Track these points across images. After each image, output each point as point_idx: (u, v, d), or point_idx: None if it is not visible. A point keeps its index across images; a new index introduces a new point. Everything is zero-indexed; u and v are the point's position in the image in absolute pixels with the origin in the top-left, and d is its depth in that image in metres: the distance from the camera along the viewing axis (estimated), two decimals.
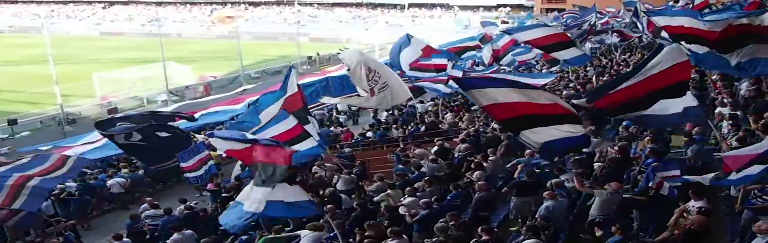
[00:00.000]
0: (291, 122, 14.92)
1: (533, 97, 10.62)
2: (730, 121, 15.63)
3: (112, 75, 52.57)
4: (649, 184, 12.50)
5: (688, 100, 11.50)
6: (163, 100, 47.31)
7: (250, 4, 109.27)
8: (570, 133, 10.87)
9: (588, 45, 34.71)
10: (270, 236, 13.86)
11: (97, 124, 15.93)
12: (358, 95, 20.33)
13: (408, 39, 25.42)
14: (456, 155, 18.87)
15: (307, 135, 15.10)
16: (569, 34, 24.88)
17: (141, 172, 23.94)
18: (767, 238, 9.27)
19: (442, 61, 25.05)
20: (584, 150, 16.52)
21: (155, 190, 24.58)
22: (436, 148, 19.77)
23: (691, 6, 30.69)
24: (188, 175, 16.54)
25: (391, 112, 30.34)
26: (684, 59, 10.85)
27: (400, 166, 18.85)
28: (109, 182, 22.72)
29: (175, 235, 15.43)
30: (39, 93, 49.55)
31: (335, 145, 24.56)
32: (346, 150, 22.51)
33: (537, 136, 10.82)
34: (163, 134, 16.10)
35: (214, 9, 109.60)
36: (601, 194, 12.25)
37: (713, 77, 20.91)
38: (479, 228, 11.79)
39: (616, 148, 15.77)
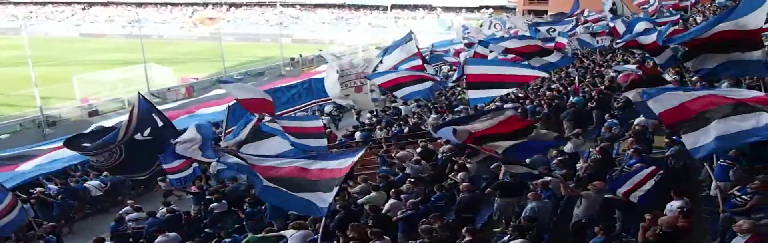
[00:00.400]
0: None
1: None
2: None
3: (92, 77, 52.25)
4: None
5: None
6: None
7: (231, 5, 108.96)
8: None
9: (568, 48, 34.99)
10: (256, 236, 13.84)
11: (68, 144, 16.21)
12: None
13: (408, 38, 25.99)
14: (440, 156, 18.83)
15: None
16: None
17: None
18: (747, 237, 9.35)
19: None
20: (566, 151, 16.92)
21: (138, 192, 24.33)
22: (419, 149, 19.76)
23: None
24: (171, 176, 16.44)
25: (374, 113, 30.27)
26: None
27: (384, 168, 18.78)
28: (87, 184, 22.49)
29: (160, 238, 15.39)
30: (18, 95, 49.31)
31: None
32: (333, 151, 22.42)
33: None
34: (141, 137, 16.14)
35: (195, 10, 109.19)
36: (590, 196, 12.28)
37: (693, 78, 21.00)
38: (464, 229, 11.81)
39: (597, 149, 15.83)
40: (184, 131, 16.17)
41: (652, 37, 18.66)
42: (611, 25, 32.06)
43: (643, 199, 11.65)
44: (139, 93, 17.80)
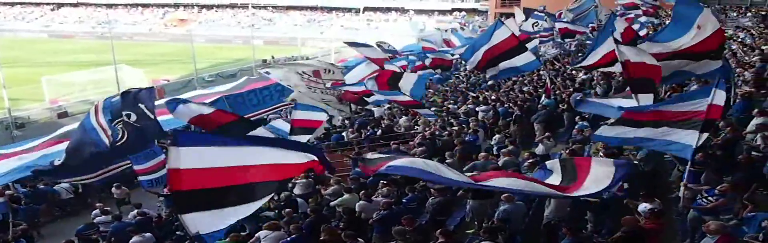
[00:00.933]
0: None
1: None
2: None
3: (61, 78, 51.73)
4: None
5: None
6: None
7: (203, 6, 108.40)
8: None
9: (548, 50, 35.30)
10: (225, 240, 13.72)
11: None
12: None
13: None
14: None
15: None
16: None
17: None
18: (716, 237, 9.51)
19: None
20: (538, 153, 17.17)
21: (109, 194, 23.90)
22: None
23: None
24: (142, 178, 16.36)
25: (347, 116, 30.23)
26: None
27: (357, 170, 18.80)
28: (57, 187, 22.25)
29: (136, 238, 15.40)
30: None
31: None
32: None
33: None
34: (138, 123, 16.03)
35: (166, 12, 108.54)
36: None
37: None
38: (437, 231, 11.83)
39: (568, 151, 15.97)
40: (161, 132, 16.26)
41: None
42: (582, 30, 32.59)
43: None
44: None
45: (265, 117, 25.66)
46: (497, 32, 21.81)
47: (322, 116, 18.80)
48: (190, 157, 8.49)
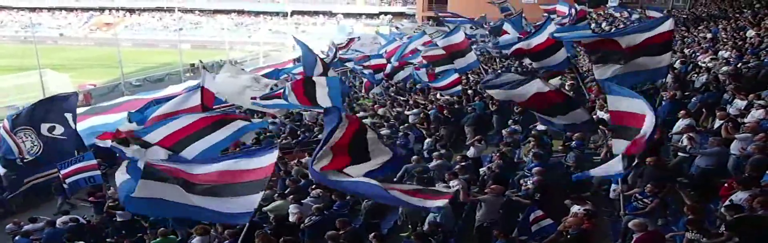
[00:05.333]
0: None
1: None
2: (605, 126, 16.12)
3: None
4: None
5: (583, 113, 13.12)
6: None
7: (128, 10, 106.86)
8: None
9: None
10: (159, 239, 14.10)
11: None
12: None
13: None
14: None
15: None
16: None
17: None
18: (638, 234, 10.18)
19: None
20: (469, 156, 17.23)
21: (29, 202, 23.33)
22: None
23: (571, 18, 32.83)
24: (70, 179, 16.48)
25: (276, 119, 30.21)
26: None
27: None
28: None
29: None
30: None
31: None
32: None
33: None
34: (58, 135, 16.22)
35: (92, 15, 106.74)
36: (487, 200, 12.67)
37: (590, 83, 22.19)
38: (371, 235, 11.99)
39: (498, 153, 16.22)
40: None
41: (541, 38, 20.10)
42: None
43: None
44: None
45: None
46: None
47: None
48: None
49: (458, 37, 24.94)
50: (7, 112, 44.06)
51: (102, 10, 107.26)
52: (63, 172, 16.43)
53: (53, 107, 16.92)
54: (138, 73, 63.23)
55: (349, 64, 34.50)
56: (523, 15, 38.69)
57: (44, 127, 16.83)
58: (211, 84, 17.88)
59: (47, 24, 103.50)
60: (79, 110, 30.73)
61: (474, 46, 34.60)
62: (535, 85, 14.13)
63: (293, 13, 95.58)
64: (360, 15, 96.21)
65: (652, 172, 12.78)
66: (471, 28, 36.30)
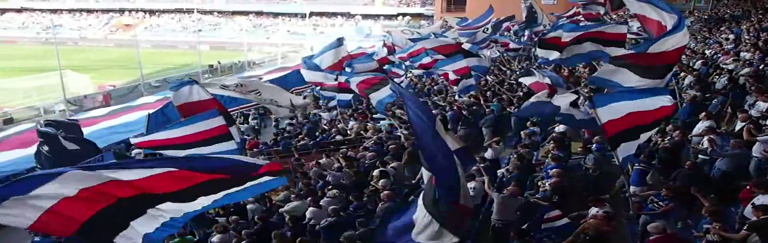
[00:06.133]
0: (217, 121, 15.05)
1: None
2: None
3: (5, 84, 51.15)
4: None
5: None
6: (61, 110, 46.34)
7: (148, 12, 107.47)
8: None
9: (487, 53, 35.96)
10: (177, 240, 14.17)
11: None
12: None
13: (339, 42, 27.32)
14: (367, 163, 18.75)
15: (229, 137, 15.19)
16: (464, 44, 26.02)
17: None
18: (655, 236, 10.14)
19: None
20: (488, 157, 17.18)
21: None
22: (341, 155, 19.75)
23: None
24: None
25: (294, 120, 30.32)
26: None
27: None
28: None
29: None
30: None
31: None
32: (260, 158, 22.54)
33: None
34: (71, 146, 16.27)
35: (112, 17, 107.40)
36: (497, 197, 12.66)
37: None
38: None
39: (516, 155, 16.22)
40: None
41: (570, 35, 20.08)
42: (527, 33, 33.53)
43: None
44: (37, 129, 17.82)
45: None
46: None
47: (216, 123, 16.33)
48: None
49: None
50: (29, 113, 44.87)
51: (122, 11, 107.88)
52: None
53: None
54: (157, 74, 63.47)
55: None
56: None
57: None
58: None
59: (68, 25, 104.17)
60: (99, 111, 31.11)
61: (487, 49, 34.67)
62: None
63: (311, 14, 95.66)
64: (378, 16, 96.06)
65: (686, 176, 12.74)
66: (483, 32, 36.11)
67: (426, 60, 27.87)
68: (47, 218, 7.20)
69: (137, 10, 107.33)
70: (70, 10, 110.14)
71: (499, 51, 36.15)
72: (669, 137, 15.46)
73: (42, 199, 7.15)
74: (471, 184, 13.94)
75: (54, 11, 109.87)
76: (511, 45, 35.41)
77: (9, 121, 41.87)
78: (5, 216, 7.07)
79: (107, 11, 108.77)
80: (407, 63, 31.12)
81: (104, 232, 7.59)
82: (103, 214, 7.48)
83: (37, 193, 7.11)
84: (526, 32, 37.70)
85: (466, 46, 31.05)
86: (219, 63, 67.26)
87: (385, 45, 38.47)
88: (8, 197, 6.97)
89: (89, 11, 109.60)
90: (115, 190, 7.53)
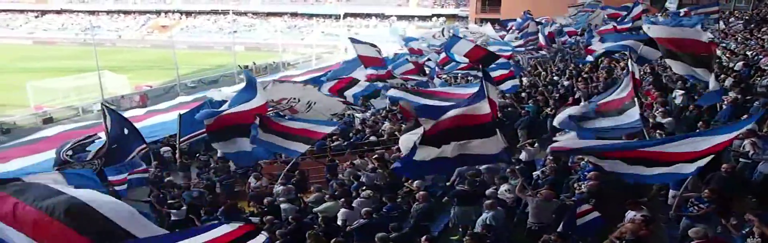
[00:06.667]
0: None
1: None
2: (662, 130, 15.86)
3: (45, 84, 51.79)
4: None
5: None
6: (98, 110, 46.90)
7: (184, 13, 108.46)
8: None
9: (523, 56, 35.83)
10: None
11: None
12: None
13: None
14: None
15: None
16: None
17: None
18: (697, 241, 9.92)
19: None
20: (522, 159, 17.03)
21: None
22: (375, 156, 19.52)
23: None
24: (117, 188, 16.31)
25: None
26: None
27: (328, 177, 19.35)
28: None
29: None
30: None
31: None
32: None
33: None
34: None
35: (149, 18, 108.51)
36: (532, 201, 12.55)
37: (648, 86, 21.83)
38: (423, 238, 11.95)
39: (551, 157, 15.89)
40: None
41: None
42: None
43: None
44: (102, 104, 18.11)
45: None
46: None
47: (326, 129, 18.54)
48: None
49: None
50: (67, 113, 45.51)
51: (158, 13, 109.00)
52: (115, 178, 16.53)
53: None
54: (193, 75, 64.27)
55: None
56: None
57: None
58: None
59: (106, 27, 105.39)
60: (136, 112, 31.41)
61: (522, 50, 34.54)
62: None
63: (346, 15, 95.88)
64: (412, 17, 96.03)
65: (720, 179, 12.46)
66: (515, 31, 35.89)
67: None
68: None
69: (173, 12, 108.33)
70: (108, 12, 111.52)
71: (533, 54, 35.95)
72: None
73: None
74: (504, 187, 14.04)
75: (92, 13, 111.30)
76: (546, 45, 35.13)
77: (48, 121, 42.56)
78: None
79: (144, 13, 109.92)
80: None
81: None
82: None
83: None
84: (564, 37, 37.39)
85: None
86: (254, 64, 67.65)
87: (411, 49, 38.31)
88: None
89: (126, 13, 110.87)
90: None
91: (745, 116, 15.32)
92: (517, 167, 15.49)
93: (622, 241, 10.51)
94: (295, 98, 22.94)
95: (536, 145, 17.80)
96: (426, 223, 14.56)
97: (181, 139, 20.52)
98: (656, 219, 11.67)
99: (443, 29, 53.62)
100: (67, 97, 50.94)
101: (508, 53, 28.19)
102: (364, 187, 16.50)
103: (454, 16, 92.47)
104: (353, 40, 27.97)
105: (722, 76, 21.05)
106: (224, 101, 20.70)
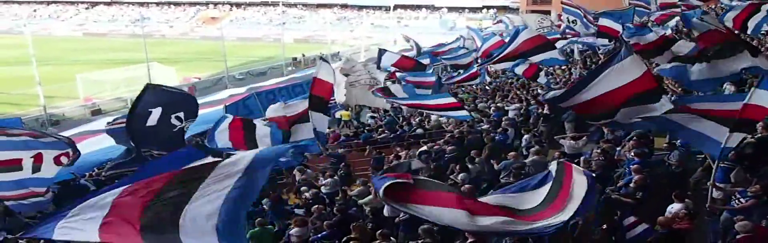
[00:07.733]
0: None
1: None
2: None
3: (95, 76, 52.50)
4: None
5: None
6: None
7: (234, 4, 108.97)
8: None
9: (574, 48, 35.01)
10: (257, 229, 13.94)
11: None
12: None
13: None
14: (445, 157, 18.45)
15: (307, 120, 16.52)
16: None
17: None
18: (741, 236, 9.69)
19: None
20: (567, 152, 16.81)
21: None
22: (424, 148, 19.43)
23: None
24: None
25: (376, 113, 30.09)
26: (645, 69, 11.57)
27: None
28: None
29: None
30: (21, 94, 49.28)
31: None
32: (339, 150, 22.60)
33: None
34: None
35: (198, 10, 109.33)
36: None
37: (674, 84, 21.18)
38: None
39: (600, 150, 15.71)
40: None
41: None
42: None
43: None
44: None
45: None
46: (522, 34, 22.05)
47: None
48: None
49: (529, 34, 24.03)
50: (116, 104, 45.70)
51: (208, 4, 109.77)
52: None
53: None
54: (241, 67, 64.44)
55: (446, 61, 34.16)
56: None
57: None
58: (328, 74, 17.86)
59: (155, 18, 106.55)
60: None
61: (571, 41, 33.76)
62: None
63: (396, 6, 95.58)
64: (463, 9, 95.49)
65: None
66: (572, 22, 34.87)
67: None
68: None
69: (223, 3, 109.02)
70: (157, 3, 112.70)
71: (579, 48, 35.17)
72: (757, 133, 14.52)
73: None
74: None
75: (142, 4, 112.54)
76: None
77: (97, 112, 42.76)
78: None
79: (194, 4, 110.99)
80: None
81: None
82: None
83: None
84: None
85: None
86: (303, 56, 67.48)
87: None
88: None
89: (176, 4, 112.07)
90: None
91: None
92: (561, 160, 15.12)
93: (659, 234, 10.50)
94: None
95: (582, 138, 17.80)
96: None
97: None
98: (700, 212, 11.69)
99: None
100: (116, 88, 51.15)
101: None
102: None
103: (504, 8, 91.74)
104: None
105: None
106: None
